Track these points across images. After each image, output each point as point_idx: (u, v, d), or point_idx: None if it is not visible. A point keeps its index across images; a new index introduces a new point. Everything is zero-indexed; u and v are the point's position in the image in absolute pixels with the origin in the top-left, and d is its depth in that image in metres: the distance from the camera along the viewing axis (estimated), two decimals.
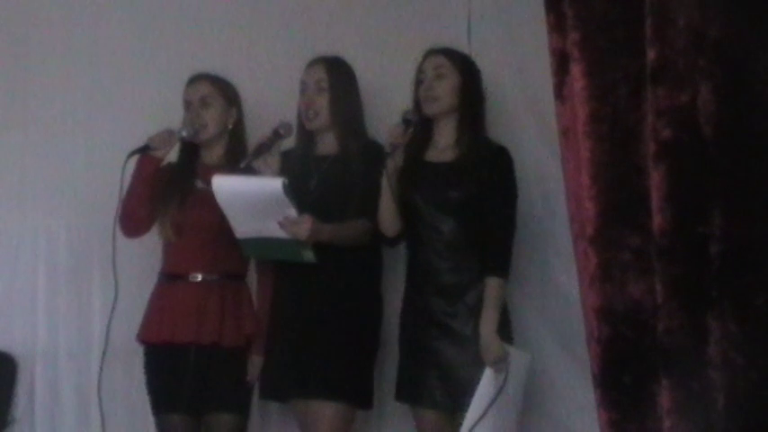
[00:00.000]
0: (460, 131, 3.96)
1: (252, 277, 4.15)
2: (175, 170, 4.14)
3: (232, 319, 4.01)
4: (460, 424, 3.74)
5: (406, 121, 3.91)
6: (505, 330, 3.85)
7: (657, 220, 3.29)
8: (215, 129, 4.13)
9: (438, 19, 4.32)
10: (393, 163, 3.88)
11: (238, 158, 4.08)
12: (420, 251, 3.93)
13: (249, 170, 3.97)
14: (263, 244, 3.91)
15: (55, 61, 4.70)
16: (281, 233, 3.85)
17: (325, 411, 3.89)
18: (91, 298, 4.55)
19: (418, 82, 3.99)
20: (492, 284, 3.82)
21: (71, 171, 4.63)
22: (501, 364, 3.77)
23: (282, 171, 3.98)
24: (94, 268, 4.51)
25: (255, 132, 4.14)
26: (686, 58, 3.26)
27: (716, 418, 3.20)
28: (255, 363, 4.04)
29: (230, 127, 4.15)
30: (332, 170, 4.01)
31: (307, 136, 4.11)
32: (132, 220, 4.06)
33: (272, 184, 3.81)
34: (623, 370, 3.38)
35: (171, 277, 4.07)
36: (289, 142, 4.11)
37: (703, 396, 3.22)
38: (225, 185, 3.87)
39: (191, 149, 4.15)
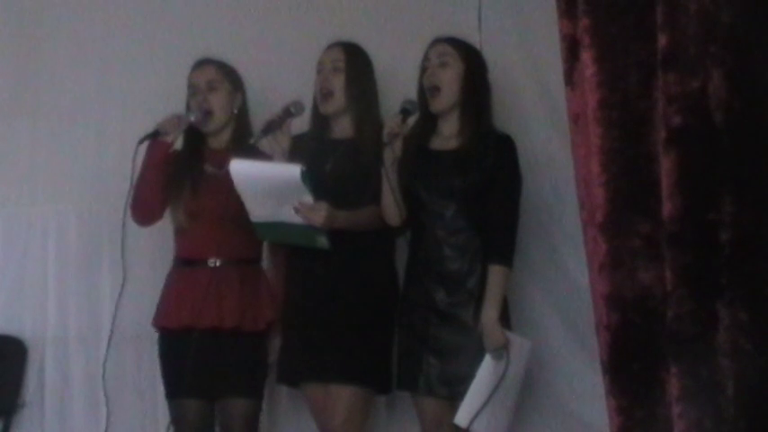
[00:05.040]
0: (464, 120, 3.95)
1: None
2: (183, 156, 4.13)
3: (251, 303, 4.01)
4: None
5: (405, 111, 3.91)
6: (505, 317, 3.85)
7: (667, 207, 3.28)
8: (222, 114, 4.13)
9: (449, 5, 4.32)
10: (392, 153, 3.88)
11: (245, 142, 4.07)
12: (422, 238, 3.93)
13: (257, 149, 3.99)
14: (277, 228, 3.92)
15: (65, 47, 4.69)
16: (296, 218, 3.86)
17: (344, 395, 3.89)
18: (101, 283, 4.55)
19: (423, 69, 3.99)
20: (495, 272, 3.82)
21: (81, 157, 4.63)
22: (502, 351, 3.77)
23: (296, 154, 3.98)
24: (104, 253, 4.51)
25: (265, 117, 4.13)
26: (697, 44, 3.26)
27: (725, 404, 3.20)
28: (276, 345, 4.05)
29: (235, 111, 4.15)
30: (347, 154, 4.01)
31: (321, 120, 4.10)
32: (145, 207, 4.05)
33: (291, 171, 3.82)
34: (632, 357, 3.38)
35: (188, 262, 4.07)
36: (302, 126, 4.11)
37: (712, 383, 3.22)
38: (243, 170, 3.87)
39: (196, 135, 4.15)
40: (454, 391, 3.80)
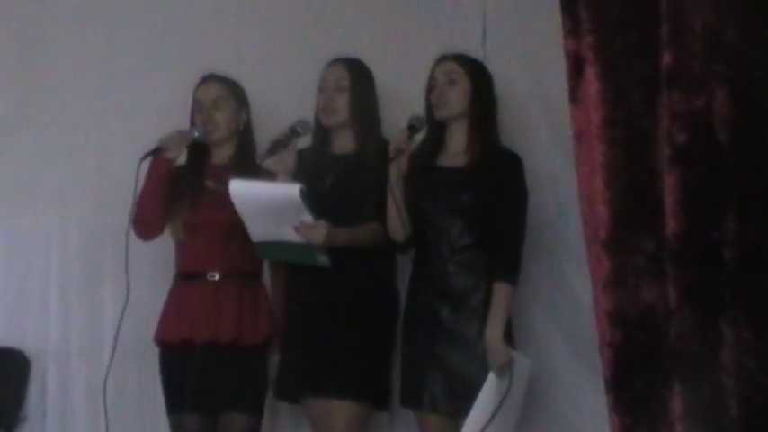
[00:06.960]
0: (472, 137, 3.96)
1: (266, 275, 4.16)
2: (185, 171, 4.14)
3: (250, 317, 4.02)
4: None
5: (412, 128, 3.91)
6: (509, 335, 3.85)
7: (671, 225, 3.28)
8: (226, 130, 4.14)
9: (452, 21, 4.32)
10: (397, 169, 3.88)
11: (247, 159, 4.10)
12: (427, 255, 3.93)
13: (260, 168, 3.99)
14: (278, 247, 3.93)
15: (68, 61, 4.70)
16: (296, 237, 3.87)
17: (343, 411, 3.89)
18: (103, 297, 4.55)
19: (429, 88, 3.99)
20: (500, 290, 3.82)
21: (84, 170, 4.64)
22: (505, 369, 3.77)
23: (298, 170, 3.99)
24: (107, 267, 4.51)
25: (268, 133, 4.13)
26: (702, 62, 3.26)
27: (728, 423, 3.19)
28: (275, 362, 4.06)
29: (240, 128, 4.16)
30: (348, 169, 4.02)
31: (323, 134, 4.11)
32: (147, 222, 4.06)
33: (290, 191, 3.84)
34: (635, 375, 3.37)
35: (188, 277, 4.08)
36: (305, 141, 4.12)
37: (716, 401, 3.21)
38: (242, 190, 3.89)
39: (200, 150, 4.16)
40: (459, 407, 3.80)
